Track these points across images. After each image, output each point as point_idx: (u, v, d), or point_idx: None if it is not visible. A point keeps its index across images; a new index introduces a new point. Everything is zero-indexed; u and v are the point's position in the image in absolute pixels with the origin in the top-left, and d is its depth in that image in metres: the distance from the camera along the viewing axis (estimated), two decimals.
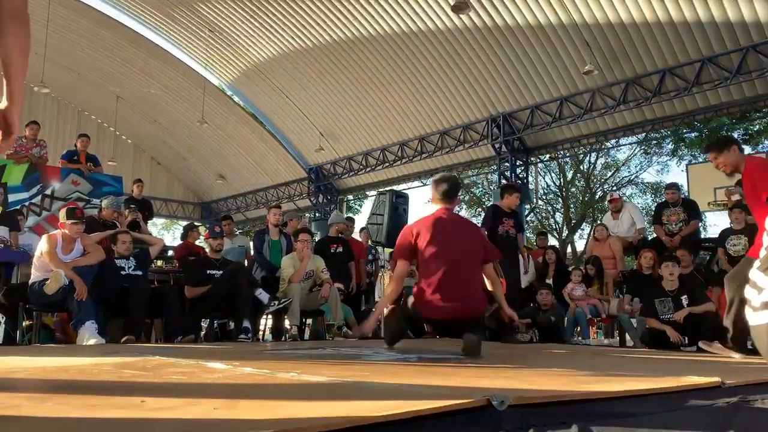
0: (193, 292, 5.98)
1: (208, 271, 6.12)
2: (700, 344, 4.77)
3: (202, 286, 5.97)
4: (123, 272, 5.58)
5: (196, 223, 9.65)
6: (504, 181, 14.72)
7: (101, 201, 6.98)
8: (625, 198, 17.03)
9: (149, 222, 8.89)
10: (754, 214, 4.14)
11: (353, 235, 8.44)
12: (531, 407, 1.44)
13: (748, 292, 0.84)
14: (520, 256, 7.14)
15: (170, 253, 8.40)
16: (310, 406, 1.51)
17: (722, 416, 1.60)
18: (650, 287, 6.21)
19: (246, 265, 7.14)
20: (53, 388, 1.97)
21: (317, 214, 19.30)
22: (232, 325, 6.68)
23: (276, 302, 5.95)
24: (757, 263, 0.82)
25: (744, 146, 21.07)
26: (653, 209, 8.50)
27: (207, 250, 6.65)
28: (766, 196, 3.93)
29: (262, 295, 5.91)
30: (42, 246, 5.12)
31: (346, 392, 1.87)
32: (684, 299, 5.76)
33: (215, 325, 6.79)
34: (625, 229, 7.81)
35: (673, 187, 7.70)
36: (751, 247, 4.18)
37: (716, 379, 1.98)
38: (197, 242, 8.27)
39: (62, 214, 5.36)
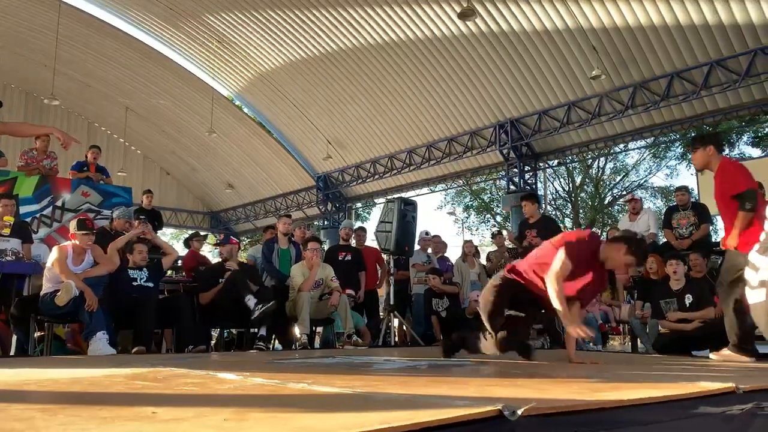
0: (204, 298, 6.02)
1: (220, 279, 6.14)
2: (711, 355, 4.75)
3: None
4: (135, 283, 5.59)
5: (201, 233, 9.73)
6: (512, 187, 14.70)
7: (112, 212, 7.01)
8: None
9: (159, 232, 8.94)
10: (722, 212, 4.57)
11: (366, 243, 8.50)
12: (543, 417, 1.43)
13: (748, 273, 0.86)
14: None
15: (179, 263, 8.43)
16: (321, 417, 1.51)
17: (737, 423, 1.58)
18: (657, 289, 6.20)
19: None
20: (65, 400, 1.97)
21: (326, 223, 19.33)
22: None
23: (260, 306, 5.74)
24: (756, 246, 0.84)
25: (754, 148, 20.87)
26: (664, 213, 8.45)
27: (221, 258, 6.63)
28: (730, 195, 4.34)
29: (250, 301, 5.85)
30: (53, 257, 5.15)
31: (357, 403, 1.86)
32: (687, 299, 5.75)
33: (226, 334, 6.80)
34: (639, 232, 7.76)
35: (683, 189, 7.65)
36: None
37: (730, 385, 1.96)
38: (204, 251, 8.33)
39: (73, 225, 5.38)
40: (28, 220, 7.02)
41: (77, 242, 5.26)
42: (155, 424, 1.38)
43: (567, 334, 3.82)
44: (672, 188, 22.86)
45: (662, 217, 7.89)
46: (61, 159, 8.14)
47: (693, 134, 17.59)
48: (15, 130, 4.28)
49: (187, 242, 8.84)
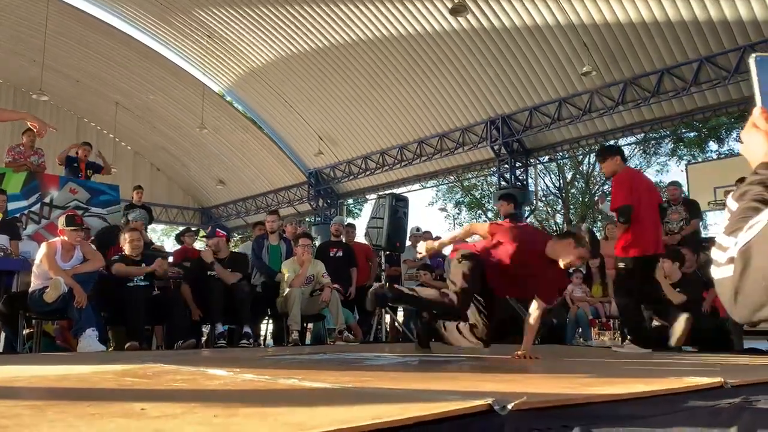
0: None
1: (208, 272, 6.09)
2: (615, 348, 5.05)
3: (202, 288, 5.95)
4: (130, 284, 5.53)
5: (192, 228, 9.71)
6: (504, 183, 14.73)
7: (128, 214, 7.05)
8: None
9: (149, 227, 8.93)
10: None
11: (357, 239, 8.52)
12: (533, 411, 1.44)
13: (714, 253, 0.94)
14: None
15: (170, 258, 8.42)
16: (311, 413, 1.50)
17: (725, 417, 1.59)
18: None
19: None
20: (53, 397, 1.96)
21: (317, 219, 19.30)
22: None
23: (222, 340, 5.80)
24: (722, 228, 0.91)
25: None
26: None
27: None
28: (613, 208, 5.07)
29: (218, 327, 5.85)
30: (41, 253, 5.11)
31: (347, 398, 1.86)
32: (678, 291, 5.80)
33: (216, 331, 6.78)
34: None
35: (675, 184, 7.71)
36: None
37: (719, 379, 1.97)
38: (198, 246, 8.32)
39: (61, 221, 5.33)
40: (17, 216, 6.98)
41: (66, 238, 5.22)
42: (144, 421, 1.37)
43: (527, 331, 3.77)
44: (662, 184, 23.03)
45: None
46: (51, 155, 8.10)
47: (675, 134, 17.70)
48: None
49: (178, 238, 8.84)
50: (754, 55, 1.12)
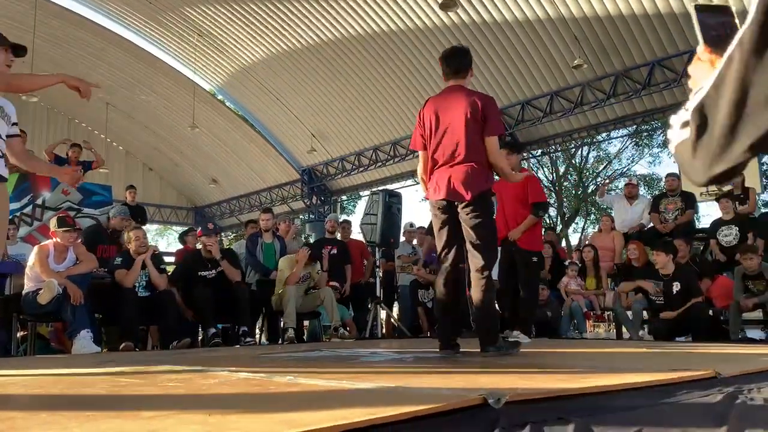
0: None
1: (199, 273, 6.06)
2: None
3: (194, 287, 5.92)
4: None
5: (195, 228, 9.69)
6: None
7: (110, 211, 6.99)
8: (617, 190, 17.12)
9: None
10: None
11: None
12: (527, 404, 1.44)
13: (669, 134, 0.99)
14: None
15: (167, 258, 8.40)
16: (307, 410, 1.50)
17: (718, 407, 1.60)
18: (646, 273, 6.28)
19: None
20: (47, 400, 1.96)
21: (311, 216, 19.28)
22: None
23: (218, 339, 5.81)
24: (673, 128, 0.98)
25: None
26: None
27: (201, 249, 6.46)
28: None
29: (210, 331, 5.86)
30: (34, 256, 5.10)
31: (342, 395, 1.86)
32: (675, 286, 5.83)
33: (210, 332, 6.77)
34: (632, 219, 7.83)
35: (673, 176, 7.77)
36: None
37: (711, 370, 1.98)
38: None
39: (53, 223, 5.32)
40: (10, 217, 6.94)
41: (59, 240, 5.20)
42: (139, 422, 1.37)
43: None
44: (654, 176, 23.15)
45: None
46: (42, 157, 8.04)
47: (667, 125, 17.75)
48: (15, 85, 3.25)
49: (182, 238, 8.87)
50: (695, 4, 1.19)
